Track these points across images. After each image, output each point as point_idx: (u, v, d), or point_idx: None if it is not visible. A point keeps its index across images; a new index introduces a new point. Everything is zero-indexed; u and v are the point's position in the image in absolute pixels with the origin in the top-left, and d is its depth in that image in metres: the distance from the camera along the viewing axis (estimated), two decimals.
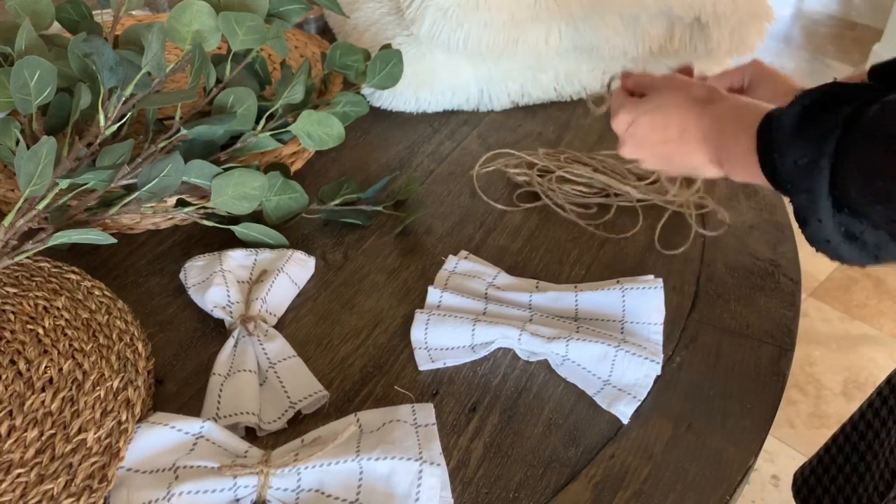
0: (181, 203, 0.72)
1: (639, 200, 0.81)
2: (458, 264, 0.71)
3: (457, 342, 0.64)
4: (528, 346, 0.62)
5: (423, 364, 0.63)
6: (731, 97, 0.57)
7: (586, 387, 0.62)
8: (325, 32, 1.12)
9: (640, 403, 0.60)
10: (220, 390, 0.59)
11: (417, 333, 0.64)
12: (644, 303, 0.65)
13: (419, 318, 0.65)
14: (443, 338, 0.64)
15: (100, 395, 0.56)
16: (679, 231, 0.78)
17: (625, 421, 0.60)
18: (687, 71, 0.69)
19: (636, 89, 0.64)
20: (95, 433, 0.53)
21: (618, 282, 0.67)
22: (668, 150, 0.59)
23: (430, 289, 0.67)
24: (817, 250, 0.48)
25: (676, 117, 0.58)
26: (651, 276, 0.67)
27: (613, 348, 0.61)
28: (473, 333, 0.63)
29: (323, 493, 0.51)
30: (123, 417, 0.54)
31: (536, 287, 0.69)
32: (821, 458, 0.82)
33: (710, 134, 0.56)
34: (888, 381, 0.77)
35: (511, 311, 0.66)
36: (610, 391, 0.61)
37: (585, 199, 0.81)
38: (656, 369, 0.62)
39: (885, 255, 0.47)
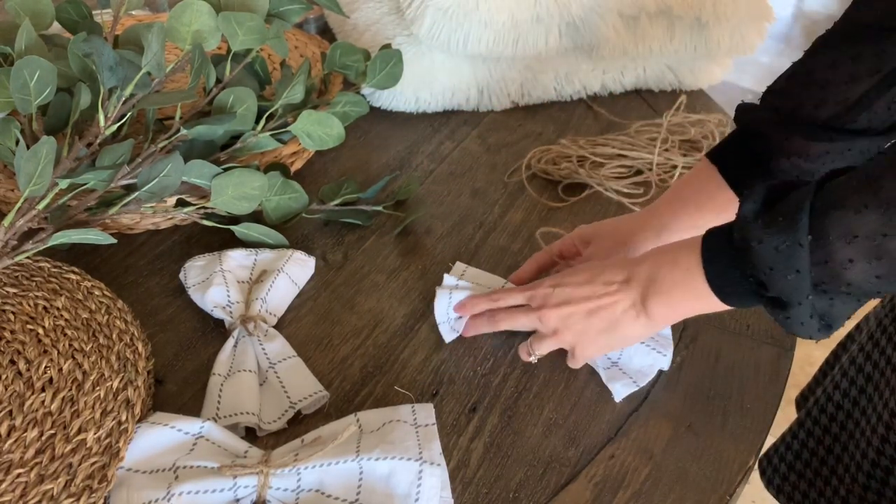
0: (181, 203, 0.72)
1: (674, 166, 0.86)
2: (459, 283, 0.68)
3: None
4: None
5: (449, 336, 0.64)
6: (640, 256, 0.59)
7: (594, 362, 0.63)
8: (325, 32, 1.12)
9: (636, 389, 0.61)
10: (220, 390, 0.59)
11: (441, 307, 0.65)
12: None
13: (442, 293, 0.65)
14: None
15: (100, 395, 0.56)
16: None
17: (617, 399, 0.61)
18: (548, 263, 0.70)
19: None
20: (95, 433, 0.53)
21: None
22: (595, 298, 0.58)
23: (439, 290, 0.66)
24: (795, 333, 0.51)
25: (598, 268, 0.59)
26: None
27: None
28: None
29: (323, 494, 0.51)
30: (123, 417, 0.54)
31: None
32: (789, 444, 0.82)
33: (635, 272, 0.57)
34: (852, 361, 0.77)
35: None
36: (614, 372, 0.62)
37: (626, 178, 0.86)
38: (662, 362, 0.63)
39: (839, 323, 0.50)
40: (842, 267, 0.46)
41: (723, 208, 0.64)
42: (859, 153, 0.60)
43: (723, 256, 0.52)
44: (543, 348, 0.61)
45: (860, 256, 0.45)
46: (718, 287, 0.52)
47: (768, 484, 0.83)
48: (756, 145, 0.62)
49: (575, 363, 0.62)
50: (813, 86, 0.59)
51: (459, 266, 0.71)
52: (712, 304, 0.53)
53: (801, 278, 0.47)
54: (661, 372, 0.63)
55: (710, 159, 0.65)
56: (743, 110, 0.64)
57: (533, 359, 0.62)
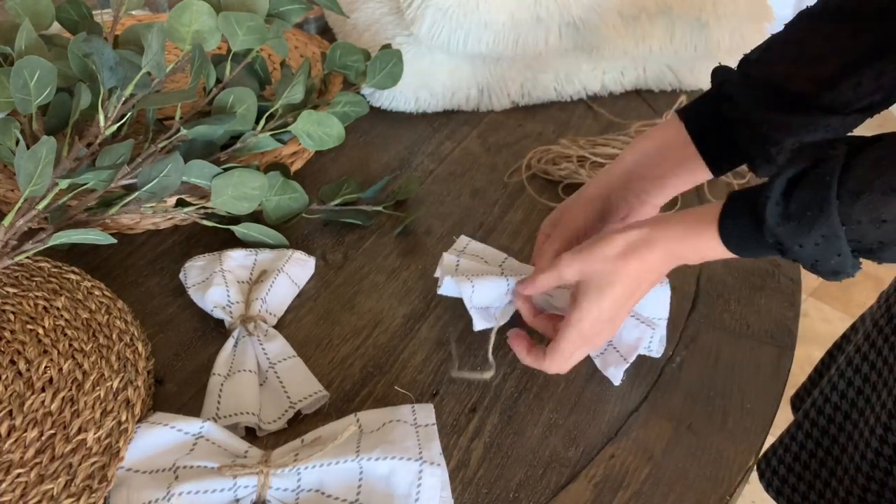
0: (181, 203, 0.72)
1: None
2: (469, 245, 0.68)
3: (495, 297, 0.63)
4: (546, 299, 0.63)
5: (480, 324, 0.62)
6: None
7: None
8: (325, 32, 1.11)
9: (627, 365, 0.60)
10: (220, 390, 0.59)
11: (466, 290, 0.62)
12: (650, 297, 0.65)
13: (464, 283, 0.62)
14: (484, 294, 0.63)
15: (100, 395, 0.56)
16: None
17: (615, 382, 0.61)
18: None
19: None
20: (95, 433, 0.53)
21: None
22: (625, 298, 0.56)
23: (445, 255, 0.65)
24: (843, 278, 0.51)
25: (618, 237, 0.56)
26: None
27: None
28: (507, 284, 0.63)
29: (323, 493, 0.51)
30: (123, 417, 0.54)
31: None
32: (787, 446, 0.82)
33: (657, 249, 0.55)
34: (849, 362, 0.77)
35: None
36: (610, 354, 0.62)
37: None
38: (648, 332, 0.62)
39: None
40: (874, 246, 0.47)
41: (688, 168, 0.64)
42: (825, 130, 0.60)
43: (757, 249, 0.51)
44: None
45: (889, 239, 0.46)
46: (748, 253, 0.52)
47: (767, 486, 0.83)
48: (727, 110, 0.62)
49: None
50: (786, 59, 0.60)
51: (463, 240, 0.69)
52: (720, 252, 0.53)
53: (845, 257, 0.48)
54: (662, 370, 0.63)
55: (682, 118, 0.64)
56: (718, 72, 0.64)
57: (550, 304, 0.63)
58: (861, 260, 0.49)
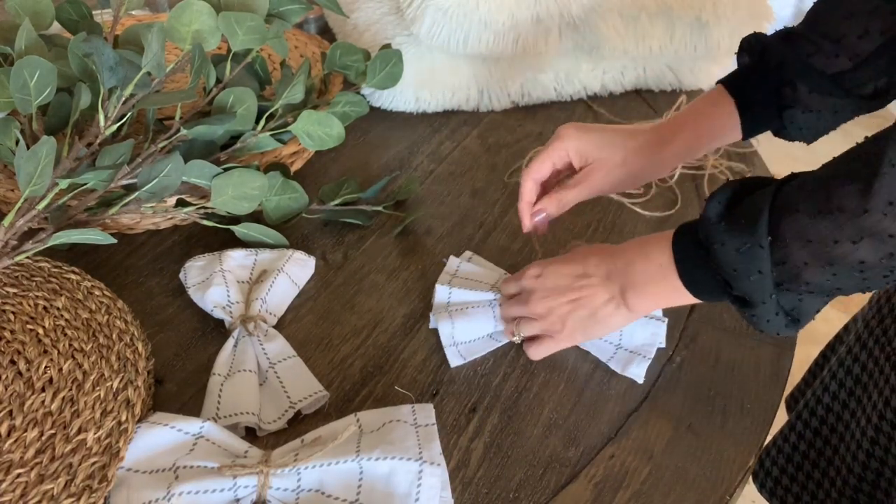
0: (181, 203, 0.72)
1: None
2: (461, 266, 0.71)
3: (481, 331, 0.65)
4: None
5: (455, 361, 0.64)
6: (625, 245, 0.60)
7: (600, 354, 0.64)
8: (325, 32, 1.12)
9: (649, 362, 0.63)
10: (220, 390, 0.59)
11: (445, 329, 0.64)
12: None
13: (442, 317, 0.65)
14: (469, 331, 0.65)
15: (100, 395, 0.56)
16: None
17: (639, 381, 0.62)
18: (549, 180, 0.70)
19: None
20: (95, 433, 0.53)
21: None
22: (575, 290, 0.60)
23: (438, 286, 0.67)
24: (761, 330, 0.52)
25: (581, 260, 0.61)
26: None
27: None
28: (495, 318, 0.65)
29: (323, 493, 0.51)
30: (123, 417, 0.54)
31: None
32: (780, 448, 0.82)
33: (613, 266, 0.59)
34: (840, 363, 0.77)
35: None
36: (623, 355, 0.64)
37: None
38: (662, 328, 0.65)
39: (807, 319, 0.52)
40: (798, 268, 0.47)
41: (722, 141, 0.67)
42: (849, 111, 0.62)
43: (692, 255, 0.53)
44: (527, 330, 0.63)
45: (813, 260, 0.46)
46: (691, 283, 0.54)
47: (761, 487, 0.84)
48: (779, 91, 0.62)
49: (556, 345, 0.63)
50: (828, 37, 0.60)
51: (453, 262, 0.71)
52: (685, 298, 0.55)
53: (764, 278, 0.48)
54: (662, 370, 0.63)
55: (731, 93, 0.65)
56: (762, 46, 0.63)
57: (517, 338, 0.64)
58: (782, 316, 0.50)
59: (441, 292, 0.67)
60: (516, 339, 0.64)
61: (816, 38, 0.61)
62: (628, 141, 0.66)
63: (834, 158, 0.48)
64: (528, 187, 0.67)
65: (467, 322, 0.64)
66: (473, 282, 0.69)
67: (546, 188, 0.69)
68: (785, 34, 0.63)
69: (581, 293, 0.60)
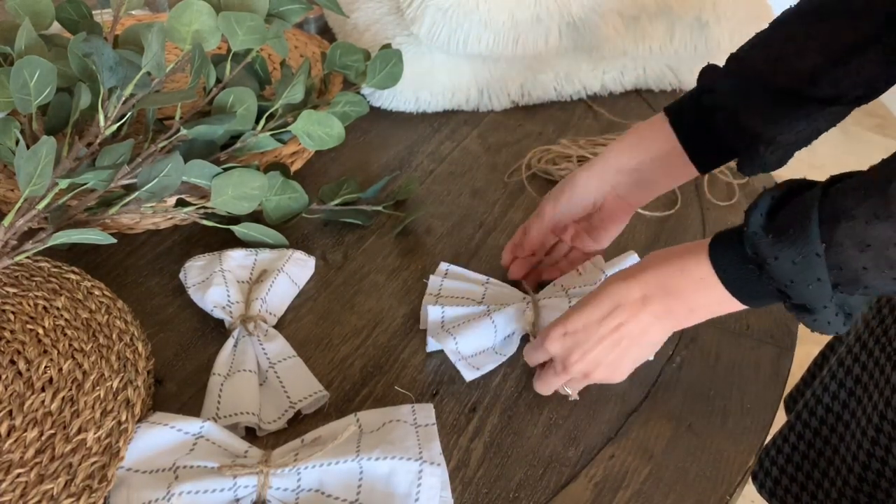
0: (181, 203, 0.72)
1: None
2: (443, 284, 0.68)
3: (484, 344, 0.63)
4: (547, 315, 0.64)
5: (470, 374, 0.61)
6: (642, 262, 0.57)
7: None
8: (325, 32, 1.11)
9: None
10: (220, 390, 0.59)
11: (449, 346, 0.62)
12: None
13: (441, 336, 0.63)
14: (473, 344, 0.63)
15: (100, 395, 0.56)
16: (685, 232, 0.78)
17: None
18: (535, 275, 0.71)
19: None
20: (95, 433, 0.53)
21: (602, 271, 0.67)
22: (613, 330, 0.56)
23: (429, 307, 0.65)
24: (820, 332, 0.51)
25: (603, 295, 0.56)
26: (631, 251, 0.68)
27: None
28: (495, 327, 0.63)
29: (323, 493, 0.51)
30: (123, 417, 0.54)
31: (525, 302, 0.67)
32: (779, 448, 0.82)
33: (646, 286, 0.55)
34: (840, 363, 0.77)
35: (511, 291, 0.68)
36: None
37: None
38: None
39: (858, 311, 0.51)
40: (857, 273, 0.46)
41: (674, 167, 0.66)
42: (807, 121, 0.61)
43: (737, 268, 0.51)
44: (578, 386, 0.60)
45: (873, 264, 0.45)
46: (742, 295, 0.52)
47: (760, 487, 0.84)
48: (709, 102, 0.64)
49: (611, 381, 0.60)
50: (770, 55, 0.61)
51: (434, 281, 0.69)
52: (737, 306, 0.53)
53: (823, 285, 0.47)
54: (662, 370, 0.63)
55: (668, 115, 0.67)
56: (705, 71, 0.66)
57: (573, 397, 0.61)
58: (841, 316, 0.49)
59: (433, 313, 0.65)
60: (573, 397, 0.61)
61: (756, 55, 0.62)
62: (589, 179, 0.67)
63: (885, 160, 0.47)
64: (508, 259, 0.70)
65: (469, 335, 0.62)
66: (460, 299, 0.67)
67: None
68: (730, 56, 0.64)
69: (622, 331, 0.56)
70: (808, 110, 0.60)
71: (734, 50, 0.64)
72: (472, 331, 0.63)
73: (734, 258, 0.51)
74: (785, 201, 0.49)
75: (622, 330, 0.55)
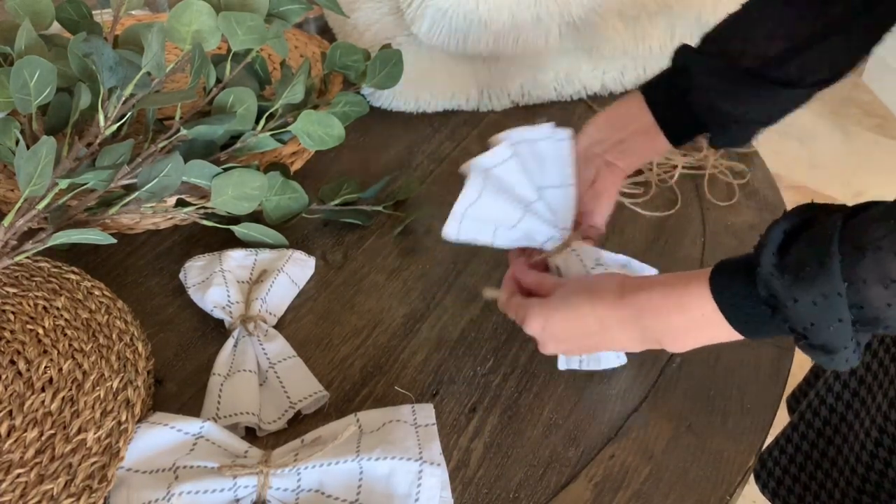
0: (181, 203, 0.72)
1: (674, 166, 0.87)
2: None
3: (499, 220, 0.61)
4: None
5: (450, 233, 0.60)
6: (640, 280, 0.55)
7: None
8: (325, 32, 1.11)
9: (576, 365, 0.62)
10: (220, 390, 0.59)
11: (470, 194, 0.59)
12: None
13: (477, 176, 0.59)
14: (488, 211, 0.60)
15: (100, 395, 0.56)
16: (685, 232, 0.78)
17: (560, 367, 0.61)
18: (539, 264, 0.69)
19: (533, 289, 0.61)
20: (95, 433, 0.53)
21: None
22: (592, 341, 0.57)
23: (497, 148, 0.61)
24: (837, 370, 0.50)
25: (588, 309, 0.55)
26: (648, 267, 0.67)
27: None
28: (518, 223, 0.62)
29: (323, 494, 0.51)
30: (123, 417, 0.54)
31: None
32: (783, 448, 0.82)
33: (642, 326, 0.53)
34: None
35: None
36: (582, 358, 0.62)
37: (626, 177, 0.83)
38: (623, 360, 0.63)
39: (865, 342, 0.48)
40: (880, 310, 0.43)
41: (648, 135, 0.68)
42: (773, 102, 0.64)
43: (747, 308, 0.48)
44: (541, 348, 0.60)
45: None
46: (747, 331, 0.49)
47: (763, 487, 0.83)
48: (682, 81, 0.66)
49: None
50: (738, 37, 0.63)
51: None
52: (734, 336, 0.51)
53: (844, 325, 0.44)
54: (662, 370, 0.63)
55: (641, 90, 0.69)
56: (679, 50, 0.68)
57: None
58: (857, 352, 0.46)
59: (488, 160, 0.60)
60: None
61: (726, 36, 0.64)
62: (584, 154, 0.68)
63: None
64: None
65: (493, 201, 0.60)
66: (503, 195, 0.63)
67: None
68: (702, 36, 0.66)
69: (603, 339, 0.56)
70: (774, 92, 0.62)
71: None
72: (499, 201, 0.60)
73: (742, 295, 0.48)
74: (797, 232, 0.46)
75: (601, 346, 0.58)
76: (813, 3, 0.60)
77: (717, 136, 0.67)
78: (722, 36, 0.65)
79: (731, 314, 0.49)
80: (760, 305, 0.47)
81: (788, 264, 0.45)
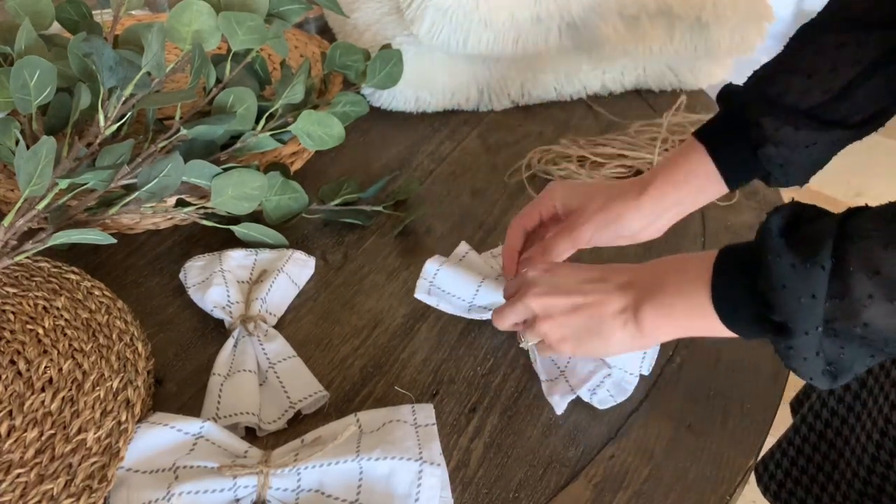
0: (181, 203, 0.72)
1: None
2: (439, 271, 0.67)
3: (460, 293, 0.65)
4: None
5: (420, 293, 0.65)
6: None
7: (543, 372, 0.62)
8: (325, 32, 1.11)
9: (573, 396, 0.60)
10: (220, 390, 0.59)
11: (430, 267, 0.66)
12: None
13: (435, 258, 0.66)
14: (448, 282, 0.65)
15: (100, 395, 0.56)
16: (685, 232, 0.78)
17: (559, 411, 0.59)
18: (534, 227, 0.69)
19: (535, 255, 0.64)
20: (95, 433, 0.53)
21: None
22: (579, 302, 0.55)
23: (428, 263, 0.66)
24: (793, 369, 0.48)
25: (599, 267, 0.56)
26: None
27: None
28: (476, 292, 0.65)
29: (323, 494, 0.51)
30: (123, 417, 0.54)
31: None
32: (784, 451, 0.82)
33: (638, 276, 0.54)
34: None
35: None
36: (559, 383, 0.61)
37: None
38: (603, 371, 0.60)
39: (846, 377, 0.47)
40: (860, 303, 0.43)
41: (704, 193, 0.64)
42: (833, 144, 0.60)
43: (734, 269, 0.49)
44: (531, 336, 0.58)
45: (881, 294, 0.42)
46: (722, 305, 0.49)
47: (765, 490, 0.83)
48: (747, 131, 0.61)
49: (544, 352, 0.60)
50: (798, 73, 0.59)
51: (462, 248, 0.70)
52: (709, 325, 0.50)
53: (815, 305, 0.44)
54: (662, 370, 0.63)
55: (701, 140, 0.63)
56: (729, 93, 0.63)
57: (523, 345, 0.60)
58: (821, 361, 0.46)
59: (430, 267, 0.66)
60: (523, 346, 0.60)
61: (785, 77, 0.60)
62: (610, 189, 0.65)
63: None
64: (516, 234, 0.66)
65: (453, 274, 0.65)
66: (466, 270, 0.67)
67: (532, 241, 0.67)
68: (754, 77, 0.62)
69: (588, 298, 0.54)
70: (830, 133, 0.59)
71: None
72: (458, 275, 0.65)
73: (734, 263, 0.49)
74: (806, 220, 0.47)
75: (589, 300, 0.55)
76: (870, 26, 0.57)
77: (777, 180, 0.63)
78: (779, 77, 0.60)
79: (718, 278, 0.49)
80: (747, 264, 0.47)
81: (791, 235, 0.46)
